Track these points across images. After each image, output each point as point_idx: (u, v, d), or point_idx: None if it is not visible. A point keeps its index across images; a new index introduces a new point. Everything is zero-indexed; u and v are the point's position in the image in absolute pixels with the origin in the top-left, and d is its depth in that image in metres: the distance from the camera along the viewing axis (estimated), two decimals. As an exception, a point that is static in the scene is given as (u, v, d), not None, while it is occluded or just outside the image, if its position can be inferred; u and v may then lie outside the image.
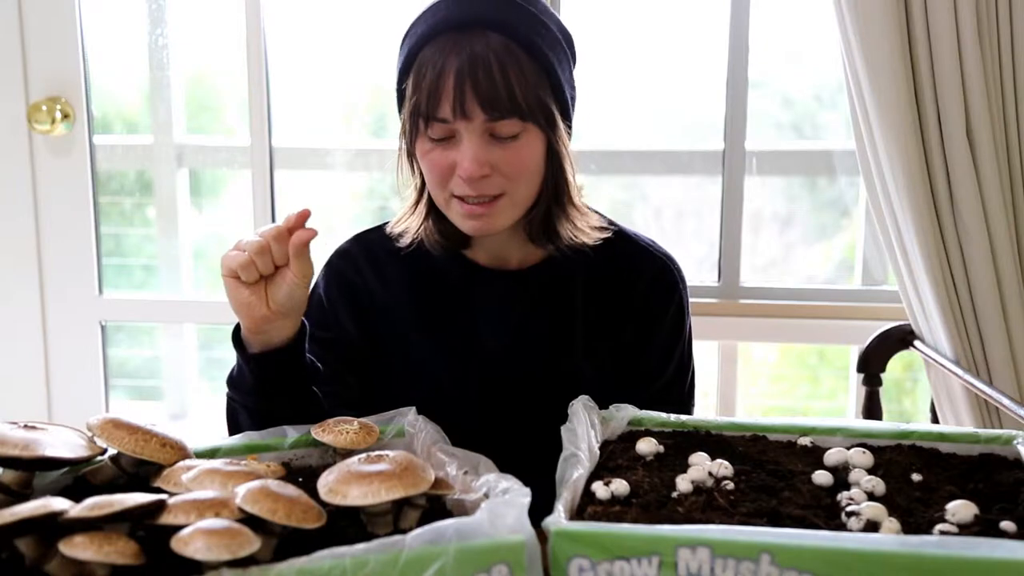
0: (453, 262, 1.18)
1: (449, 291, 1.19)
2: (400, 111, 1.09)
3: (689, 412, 1.23)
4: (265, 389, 1.03)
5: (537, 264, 1.18)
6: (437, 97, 1.01)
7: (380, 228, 1.23)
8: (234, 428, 1.10)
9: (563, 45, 1.09)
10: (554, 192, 1.11)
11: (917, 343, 1.76)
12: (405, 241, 1.15)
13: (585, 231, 1.14)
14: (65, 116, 2.06)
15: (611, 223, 1.21)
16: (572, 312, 1.18)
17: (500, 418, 1.17)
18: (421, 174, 1.10)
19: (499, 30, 1.02)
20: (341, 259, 1.22)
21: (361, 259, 1.21)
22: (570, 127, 1.11)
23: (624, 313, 1.19)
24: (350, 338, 1.20)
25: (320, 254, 1.24)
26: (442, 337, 1.18)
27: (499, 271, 1.18)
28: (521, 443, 1.04)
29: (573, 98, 1.12)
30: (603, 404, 1.00)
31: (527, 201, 1.10)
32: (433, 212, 1.13)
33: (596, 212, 1.22)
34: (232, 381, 1.08)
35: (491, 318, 1.18)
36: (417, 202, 1.14)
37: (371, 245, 1.22)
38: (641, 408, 1.00)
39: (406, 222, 1.16)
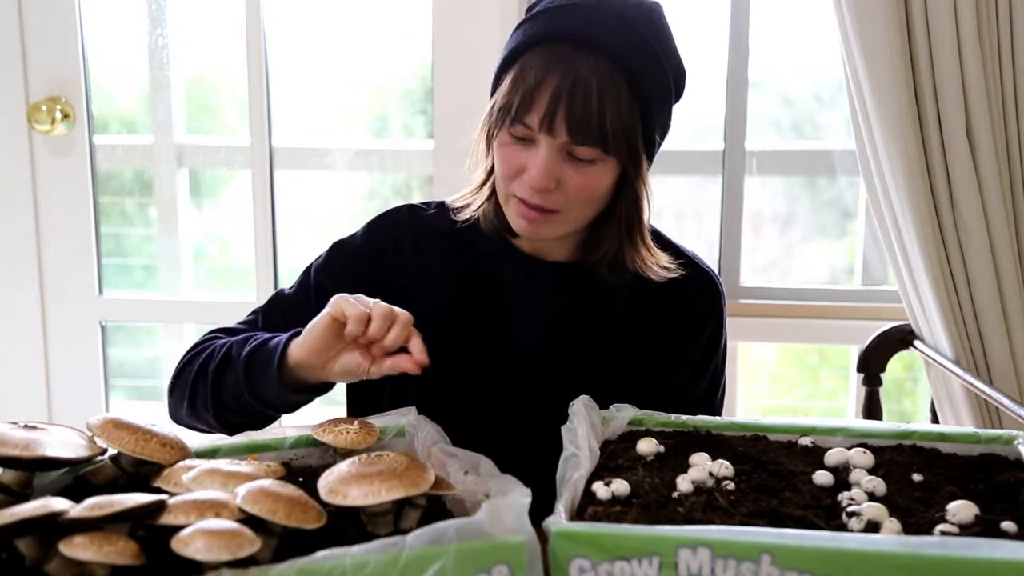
0: (497, 247, 1.18)
1: (488, 274, 1.18)
2: (492, 94, 1.09)
3: None
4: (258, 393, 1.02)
5: (581, 260, 1.17)
6: (529, 105, 1.01)
7: (436, 203, 1.23)
8: (189, 386, 1.07)
9: (670, 83, 1.08)
10: (627, 228, 1.10)
11: (917, 343, 1.76)
12: (464, 215, 1.16)
13: (653, 269, 1.13)
14: (65, 116, 2.06)
15: (655, 231, 1.20)
16: (610, 312, 1.18)
17: (512, 410, 1.16)
18: (493, 161, 1.11)
19: (610, 56, 1.00)
20: (384, 221, 1.21)
21: (404, 228, 1.20)
22: (650, 162, 1.10)
23: (662, 323, 1.18)
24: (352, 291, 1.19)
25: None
26: (475, 320, 1.18)
27: (542, 260, 1.18)
28: (524, 442, 1.04)
29: (664, 135, 1.12)
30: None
31: (581, 221, 1.10)
32: (496, 196, 1.13)
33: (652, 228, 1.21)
34: (249, 361, 1.02)
35: (528, 306, 1.17)
36: (483, 183, 1.15)
37: (420, 218, 1.21)
38: None
39: (469, 199, 1.16)
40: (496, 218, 1.14)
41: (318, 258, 1.20)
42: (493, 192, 1.13)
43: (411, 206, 1.23)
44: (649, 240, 1.13)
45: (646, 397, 1.08)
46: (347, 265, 1.18)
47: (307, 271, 1.19)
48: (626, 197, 1.08)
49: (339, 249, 1.20)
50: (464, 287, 1.18)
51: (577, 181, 1.03)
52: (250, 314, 1.20)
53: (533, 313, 1.17)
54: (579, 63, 0.99)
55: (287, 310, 1.17)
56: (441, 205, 1.22)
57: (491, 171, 1.12)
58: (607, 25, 1.01)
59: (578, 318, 1.17)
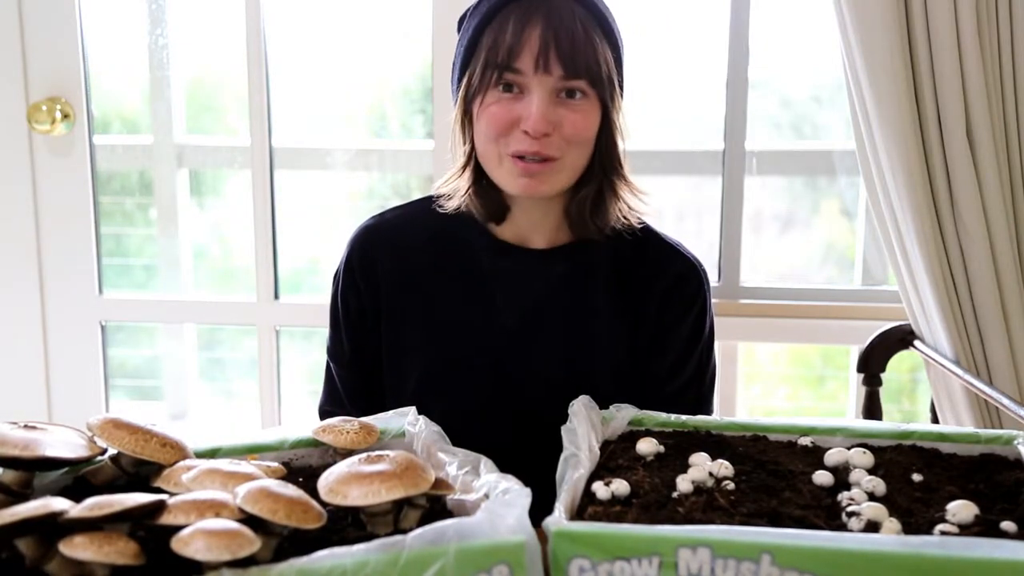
0: (477, 236, 1.19)
1: (470, 264, 1.19)
2: (458, 82, 1.13)
3: (706, 414, 1.23)
4: None
5: (562, 247, 1.19)
6: (519, 48, 1.05)
7: (404, 206, 1.26)
8: None
9: (620, 43, 1.14)
10: (607, 164, 1.14)
11: (917, 343, 1.76)
12: (452, 204, 1.17)
13: (631, 210, 1.17)
14: (65, 116, 2.06)
15: (640, 221, 1.22)
16: (592, 299, 1.18)
17: (504, 406, 1.17)
18: (472, 141, 1.13)
19: (582, 4, 1.08)
20: (352, 241, 1.24)
21: (373, 239, 1.23)
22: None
23: (643, 311, 1.19)
24: (357, 315, 1.23)
25: (334, 247, 1.24)
26: (458, 309, 1.19)
27: (523, 248, 1.19)
28: (523, 441, 1.04)
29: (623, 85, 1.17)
30: (611, 398, 1.00)
31: (577, 169, 1.13)
32: (480, 179, 1.15)
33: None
34: None
35: (510, 294, 1.18)
36: (465, 166, 1.16)
37: (390, 223, 1.24)
38: (653, 409, 1.00)
39: (454, 183, 1.18)
40: (481, 202, 1.15)
41: (332, 296, 1.25)
42: (475, 175, 1.15)
43: (377, 216, 1.25)
44: (628, 174, 1.17)
45: (631, 383, 1.08)
46: (347, 286, 1.23)
47: (332, 311, 1.25)
48: (605, 134, 1.12)
49: (336, 278, 1.25)
50: (446, 279, 1.20)
51: (572, 119, 1.08)
52: (326, 382, 1.28)
53: (514, 300, 1.18)
54: (560, 8, 1.06)
55: (349, 348, 1.23)
56: (419, 202, 1.24)
57: (471, 153, 1.14)
58: None
59: (560, 304, 1.18)
